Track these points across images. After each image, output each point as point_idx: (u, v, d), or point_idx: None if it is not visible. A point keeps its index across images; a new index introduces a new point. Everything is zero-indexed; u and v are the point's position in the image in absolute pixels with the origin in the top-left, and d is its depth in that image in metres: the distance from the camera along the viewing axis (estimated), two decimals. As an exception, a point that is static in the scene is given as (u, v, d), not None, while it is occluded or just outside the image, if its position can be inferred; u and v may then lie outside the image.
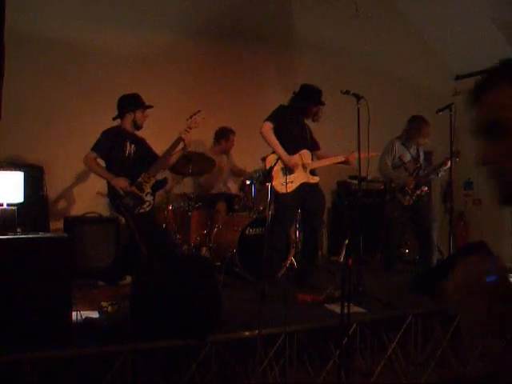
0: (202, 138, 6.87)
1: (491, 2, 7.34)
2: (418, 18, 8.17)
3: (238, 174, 6.71)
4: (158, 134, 5.58)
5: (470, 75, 8.53)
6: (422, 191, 5.97)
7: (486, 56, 8.00)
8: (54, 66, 5.94)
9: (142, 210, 4.80)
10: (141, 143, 5.05)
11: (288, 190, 4.90)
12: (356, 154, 5.07)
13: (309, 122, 5.30)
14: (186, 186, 6.35)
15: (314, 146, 5.33)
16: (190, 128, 4.92)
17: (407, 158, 6.03)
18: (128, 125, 4.96)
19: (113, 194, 4.81)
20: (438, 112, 5.72)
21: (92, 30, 6.09)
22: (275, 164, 4.89)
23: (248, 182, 5.84)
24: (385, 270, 6.10)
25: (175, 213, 5.88)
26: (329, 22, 7.52)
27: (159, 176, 5.07)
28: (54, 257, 3.19)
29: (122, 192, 4.72)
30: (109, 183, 4.85)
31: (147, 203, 4.83)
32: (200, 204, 5.96)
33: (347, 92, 4.79)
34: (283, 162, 4.94)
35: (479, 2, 7.39)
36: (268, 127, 4.99)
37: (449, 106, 5.56)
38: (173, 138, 4.95)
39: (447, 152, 5.76)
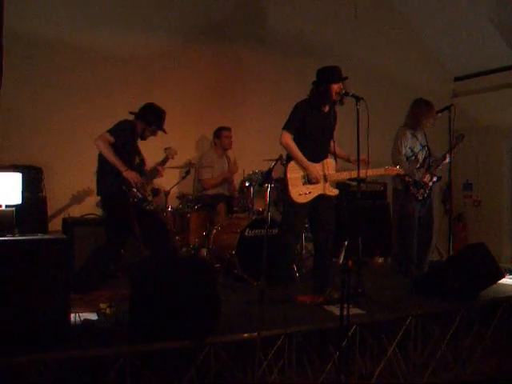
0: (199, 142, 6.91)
1: (489, 3, 7.33)
2: (417, 20, 8.16)
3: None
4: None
5: (468, 76, 8.54)
6: (433, 181, 5.79)
7: (485, 57, 8.02)
8: (54, 68, 5.92)
9: (148, 207, 4.83)
10: (139, 149, 5.07)
11: (304, 201, 4.72)
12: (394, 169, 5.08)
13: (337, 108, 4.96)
14: (185, 187, 6.34)
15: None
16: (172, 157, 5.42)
17: (418, 147, 5.80)
18: (139, 129, 4.97)
19: (116, 183, 4.68)
20: (437, 113, 5.71)
21: (92, 34, 6.08)
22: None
23: (247, 184, 5.81)
24: (402, 275, 5.69)
25: (174, 214, 5.86)
26: (327, 24, 7.51)
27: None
28: (52, 258, 3.19)
29: (134, 184, 4.70)
30: (106, 175, 4.74)
31: (152, 203, 4.87)
32: (199, 205, 5.95)
33: (346, 93, 4.69)
34: (308, 174, 4.70)
35: (477, 4, 7.39)
36: (288, 138, 4.69)
37: (448, 108, 5.55)
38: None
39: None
